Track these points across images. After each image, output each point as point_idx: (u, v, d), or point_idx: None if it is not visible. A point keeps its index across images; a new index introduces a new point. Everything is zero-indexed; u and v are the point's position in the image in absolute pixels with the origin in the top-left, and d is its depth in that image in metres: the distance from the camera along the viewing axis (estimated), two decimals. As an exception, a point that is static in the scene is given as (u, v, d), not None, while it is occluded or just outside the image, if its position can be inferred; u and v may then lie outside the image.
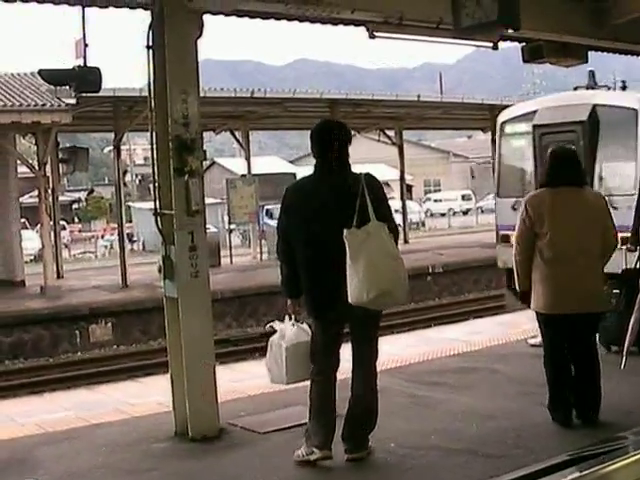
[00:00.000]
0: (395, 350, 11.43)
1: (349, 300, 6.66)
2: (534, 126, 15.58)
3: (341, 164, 7.01)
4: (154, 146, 8.24)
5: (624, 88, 17.10)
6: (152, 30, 8.30)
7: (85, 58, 9.64)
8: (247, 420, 8.57)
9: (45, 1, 8.60)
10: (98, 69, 9.83)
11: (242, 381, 9.98)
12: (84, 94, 9.88)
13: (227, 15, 9.29)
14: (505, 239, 16.17)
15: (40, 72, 10.39)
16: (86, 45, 9.50)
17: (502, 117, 17.41)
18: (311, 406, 7.13)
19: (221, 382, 8.59)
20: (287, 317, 7.25)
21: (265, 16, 9.76)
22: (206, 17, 8.50)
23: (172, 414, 8.44)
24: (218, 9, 8.82)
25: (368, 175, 7.01)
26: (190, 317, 8.12)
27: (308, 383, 7.18)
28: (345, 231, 6.65)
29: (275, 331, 7.29)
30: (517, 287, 8.04)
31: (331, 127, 7.26)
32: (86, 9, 9.16)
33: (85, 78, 9.75)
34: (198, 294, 8.17)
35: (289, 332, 7.16)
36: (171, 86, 8.12)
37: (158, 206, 8.23)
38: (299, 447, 7.21)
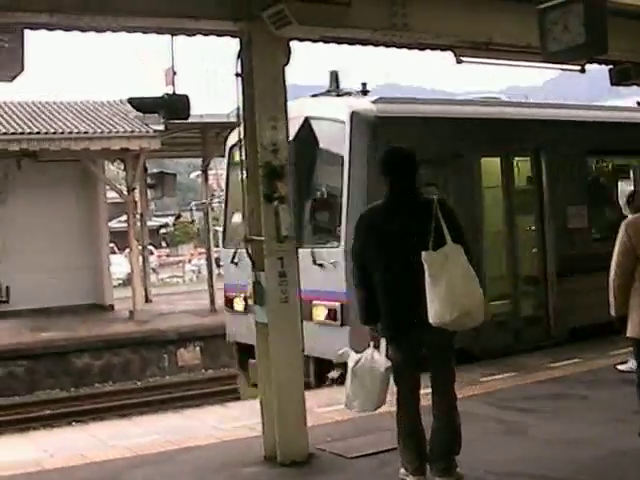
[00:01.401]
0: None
1: (430, 321, 6.67)
2: None
3: (412, 188, 7.10)
4: (244, 172, 8.31)
5: (365, 93, 13.86)
6: (241, 58, 8.41)
7: (174, 86, 9.79)
8: (335, 445, 8.58)
9: (135, 31, 8.74)
10: (186, 96, 9.97)
11: (329, 406, 9.95)
12: (172, 121, 9.93)
13: (314, 41, 9.33)
14: (230, 303, 13.96)
15: (130, 100, 10.54)
16: (174, 73, 9.64)
17: (231, 140, 13.99)
18: (399, 430, 7.15)
19: (308, 407, 8.60)
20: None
21: (352, 42, 9.79)
22: (293, 44, 8.59)
23: (261, 439, 8.49)
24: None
25: (440, 199, 7.08)
26: (280, 342, 8.17)
27: (393, 409, 7.16)
28: (423, 253, 6.69)
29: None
30: (613, 312, 7.84)
31: (400, 153, 7.28)
32: (174, 37, 9.24)
33: (174, 105, 9.90)
34: (288, 319, 8.21)
35: (377, 357, 7.13)
36: (260, 113, 8.22)
37: (248, 232, 8.31)
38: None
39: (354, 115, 11.96)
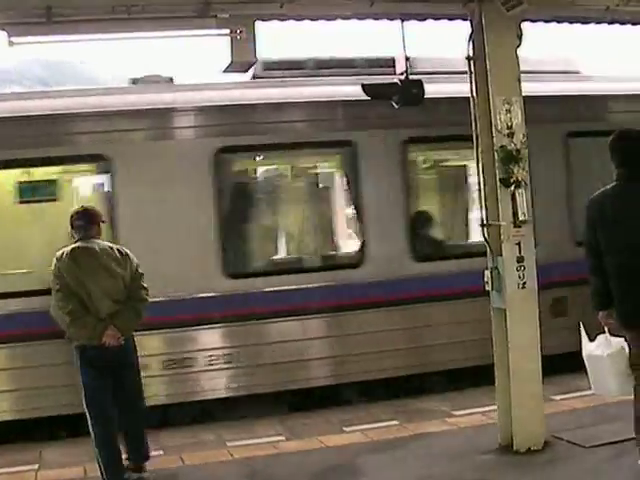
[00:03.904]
0: None
1: None
2: None
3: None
4: (478, 157, 8.25)
5: None
6: (472, 40, 8.33)
7: (407, 72, 9.76)
8: (572, 434, 8.41)
9: (366, 17, 8.78)
10: (420, 81, 9.93)
11: (567, 393, 9.78)
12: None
13: (547, 22, 9.16)
14: None
15: (364, 86, 10.57)
16: (407, 58, 9.62)
17: None
18: (636, 419, 6.91)
19: (546, 394, 8.54)
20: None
21: (585, 21, 9.54)
22: (525, 25, 8.44)
23: (497, 425, 8.43)
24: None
25: None
26: (517, 328, 8.10)
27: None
28: None
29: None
30: None
31: (630, 136, 7.09)
32: (405, 23, 9.22)
33: (408, 91, 9.89)
34: (526, 305, 8.13)
35: (589, 343, 7.13)
36: (494, 96, 8.13)
37: (485, 217, 8.26)
38: None
39: None
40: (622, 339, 7.00)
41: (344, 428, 9.60)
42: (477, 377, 10.40)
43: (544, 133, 11.00)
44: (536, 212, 8.53)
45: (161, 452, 9.02)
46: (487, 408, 9.27)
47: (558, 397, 9.80)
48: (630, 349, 6.91)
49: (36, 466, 8.76)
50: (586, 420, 8.85)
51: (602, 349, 7.04)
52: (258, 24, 8.31)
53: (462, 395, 10.59)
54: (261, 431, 9.69)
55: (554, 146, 11.76)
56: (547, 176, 11.39)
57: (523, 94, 8.26)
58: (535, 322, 8.20)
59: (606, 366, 7.01)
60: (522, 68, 8.33)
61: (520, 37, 8.35)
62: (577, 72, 12.93)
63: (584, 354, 7.18)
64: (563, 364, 10.18)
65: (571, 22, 9.50)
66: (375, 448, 8.67)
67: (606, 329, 7.08)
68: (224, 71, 8.65)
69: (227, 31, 8.14)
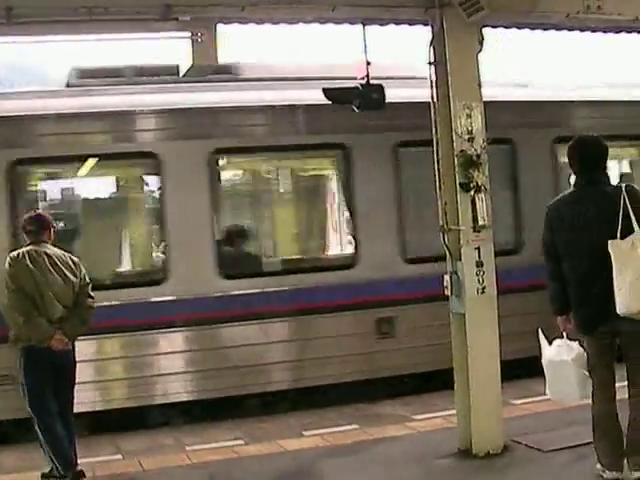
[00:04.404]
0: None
1: (617, 311, 6.53)
2: None
3: (600, 176, 6.99)
4: (438, 161, 8.27)
5: None
6: (433, 46, 8.35)
7: (368, 76, 9.76)
8: (531, 438, 8.43)
9: (327, 22, 8.79)
10: (381, 86, 9.93)
11: (526, 398, 9.82)
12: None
13: (507, 28, 9.22)
14: None
15: (324, 90, 10.57)
16: (368, 63, 9.62)
17: None
18: (594, 423, 6.98)
19: (504, 398, 8.54)
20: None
21: (545, 27, 9.63)
22: (486, 31, 8.48)
23: (456, 430, 8.44)
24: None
25: (629, 186, 6.91)
26: (476, 333, 8.11)
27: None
28: (609, 242, 6.56)
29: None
30: None
31: (587, 142, 7.16)
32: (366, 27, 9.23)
33: (369, 96, 9.88)
34: (485, 310, 8.15)
35: (549, 349, 7.11)
36: (454, 101, 8.15)
37: (444, 222, 8.27)
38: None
39: None
40: (578, 343, 7.04)
41: (304, 432, 9.60)
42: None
43: (376, 144, 11.23)
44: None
45: (120, 456, 8.98)
46: (446, 412, 9.30)
47: (517, 401, 9.83)
48: (587, 354, 6.95)
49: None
50: (545, 424, 8.87)
51: (566, 354, 7.03)
52: (220, 27, 8.30)
53: (421, 399, 10.63)
54: (220, 435, 9.67)
55: (385, 157, 11.63)
56: (377, 189, 11.50)
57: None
58: (494, 327, 8.21)
59: (572, 370, 7.01)
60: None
61: (481, 42, 8.37)
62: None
63: (544, 360, 7.16)
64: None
65: (532, 28, 9.59)
66: (334, 452, 8.66)
67: (564, 334, 7.09)
68: (184, 74, 8.62)
69: (188, 34, 8.13)
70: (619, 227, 6.60)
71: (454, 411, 8.56)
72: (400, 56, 11.91)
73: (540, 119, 12.01)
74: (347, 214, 11.65)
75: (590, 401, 7.00)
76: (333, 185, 12.20)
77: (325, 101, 10.40)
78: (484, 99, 8.25)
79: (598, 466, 6.99)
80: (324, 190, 12.33)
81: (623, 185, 6.91)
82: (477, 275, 8.07)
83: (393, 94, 10.39)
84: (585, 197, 6.93)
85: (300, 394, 11.07)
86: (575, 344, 7.04)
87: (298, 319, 10.95)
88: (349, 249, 11.67)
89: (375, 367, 11.34)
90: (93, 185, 11.60)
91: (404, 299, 11.17)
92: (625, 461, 6.85)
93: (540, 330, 7.21)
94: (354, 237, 11.47)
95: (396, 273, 11.26)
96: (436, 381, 10.43)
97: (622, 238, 6.58)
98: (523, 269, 11.14)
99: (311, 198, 12.53)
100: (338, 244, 12.15)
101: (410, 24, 8.91)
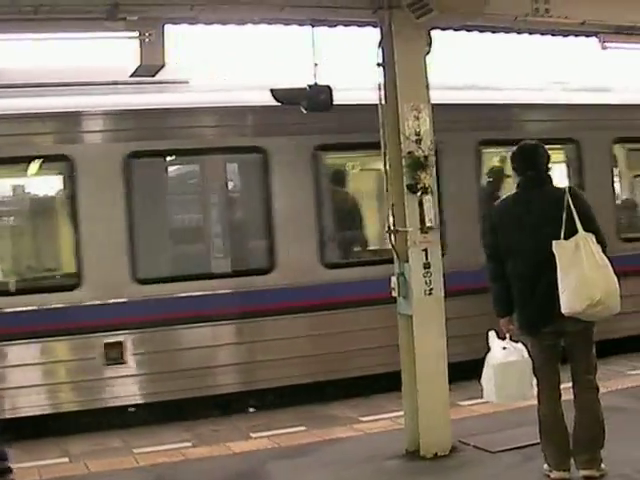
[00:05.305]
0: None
1: (562, 311, 6.62)
2: None
3: (543, 178, 7.12)
4: (386, 163, 8.28)
5: None
6: (381, 47, 8.36)
7: (315, 77, 9.72)
8: (479, 439, 8.46)
9: (276, 22, 8.77)
10: (329, 87, 9.90)
11: (473, 399, 9.85)
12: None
13: (456, 30, 9.23)
14: None
15: (272, 91, 10.53)
16: (316, 64, 9.58)
17: None
18: (540, 424, 7.08)
19: (451, 400, 8.59)
20: (493, 335, 7.25)
21: (494, 30, 9.63)
22: (434, 33, 8.49)
23: (404, 431, 8.44)
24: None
25: (572, 188, 7.14)
26: (424, 334, 8.12)
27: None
28: (554, 243, 6.67)
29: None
30: None
31: (530, 146, 7.33)
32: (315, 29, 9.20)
33: (316, 97, 9.86)
34: (432, 311, 8.16)
35: (498, 351, 7.14)
36: (402, 103, 8.15)
37: (391, 223, 8.27)
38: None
39: None
40: (519, 347, 7.10)
41: (251, 434, 9.59)
42: None
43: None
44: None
45: (66, 459, 8.92)
46: (394, 414, 9.31)
47: (465, 402, 9.88)
48: (532, 356, 7.01)
49: None
50: (493, 425, 8.91)
51: (515, 355, 7.09)
52: (167, 27, 8.22)
53: (369, 401, 10.64)
54: (168, 437, 9.63)
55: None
56: None
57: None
58: (442, 329, 8.21)
59: (526, 369, 7.04)
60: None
61: (430, 44, 8.39)
62: (186, 82, 12.05)
63: (493, 363, 7.16)
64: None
65: (481, 31, 9.60)
66: (282, 454, 8.64)
67: (507, 335, 7.14)
68: (132, 75, 8.54)
69: (136, 34, 8.05)
70: (563, 228, 6.69)
71: (402, 413, 8.55)
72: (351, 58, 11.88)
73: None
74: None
75: (536, 402, 7.07)
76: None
77: None
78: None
79: (545, 466, 7.08)
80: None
81: (567, 186, 7.08)
82: (424, 277, 8.08)
83: None
84: (529, 198, 7.03)
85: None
86: (519, 345, 7.10)
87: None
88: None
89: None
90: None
91: None
92: (572, 460, 6.93)
93: (494, 332, 7.25)
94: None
95: None
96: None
97: (566, 239, 6.68)
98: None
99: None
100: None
101: (359, 25, 8.89)
